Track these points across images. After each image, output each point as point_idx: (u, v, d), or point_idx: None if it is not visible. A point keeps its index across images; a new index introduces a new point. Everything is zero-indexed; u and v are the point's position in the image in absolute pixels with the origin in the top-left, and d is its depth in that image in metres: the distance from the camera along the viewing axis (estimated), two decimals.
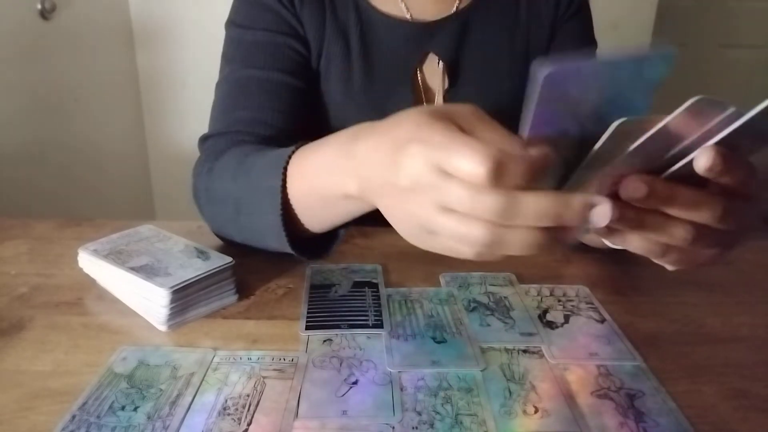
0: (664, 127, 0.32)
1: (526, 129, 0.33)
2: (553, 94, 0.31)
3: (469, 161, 0.32)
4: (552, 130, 0.34)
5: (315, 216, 0.53)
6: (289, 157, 0.52)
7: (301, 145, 0.52)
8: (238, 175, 0.57)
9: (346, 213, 0.50)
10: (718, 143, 0.32)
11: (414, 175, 0.35)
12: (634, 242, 0.38)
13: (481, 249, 0.34)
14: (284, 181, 0.51)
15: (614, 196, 0.36)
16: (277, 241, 0.54)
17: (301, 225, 0.54)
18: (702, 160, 0.32)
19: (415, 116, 0.37)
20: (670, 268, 0.41)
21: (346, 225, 0.55)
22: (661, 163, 0.36)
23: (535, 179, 0.32)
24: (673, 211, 0.35)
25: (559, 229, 0.33)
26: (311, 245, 0.56)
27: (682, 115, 0.31)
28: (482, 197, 0.32)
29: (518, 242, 0.33)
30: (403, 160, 0.36)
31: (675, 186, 0.35)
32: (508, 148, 0.33)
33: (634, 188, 0.34)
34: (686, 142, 0.34)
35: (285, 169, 0.51)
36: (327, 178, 0.46)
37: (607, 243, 0.40)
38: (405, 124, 0.37)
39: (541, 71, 0.30)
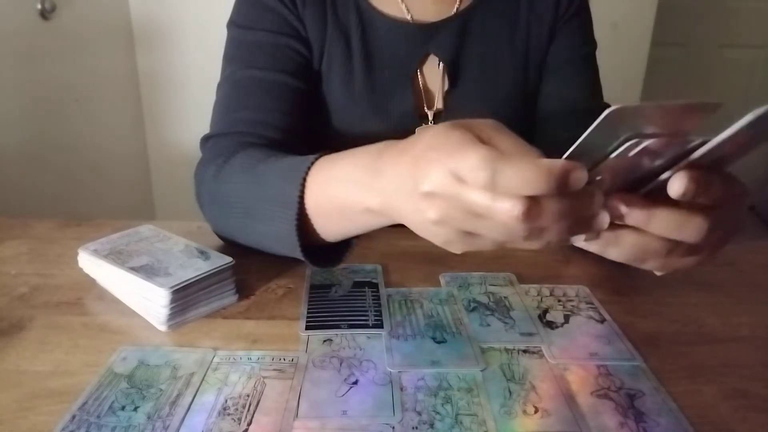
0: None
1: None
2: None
3: (470, 166, 0.33)
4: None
5: (331, 226, 0.52)
6: (308, 168, 0.51)
7: (322, 155, 0.51)
8: (250, 180, 0.56)
9: (364, 225, 0.50)
10: (699, 158, 0.32)
11: (434, 181, 0.36)
12: (612, 253, 0.39)
13: (530, 242, 0.36)
14: (302, 191, 0.51)
15: None
16: (289, 249, 0.53)
17: (315, 234, 0.53)
18: (675, 185, 0.33)
19: (434, 128, 0.38)
20: (657, 273, 0.42)
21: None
22: (644, 174, 0.35)
23: (566, 190, 0.32)
24: (652, 230, 0.36)
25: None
26: (322, 253, 0.56)
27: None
28: (497, 203, 0.33)
29: (555, 231, 0.35)
30: (421, 170, 0.37)
31: (653, 208, 0.35)
32: (522, 156, 0.34)
33: (614, 208, 0.36)
34: (669, 155, 0.33)
35: (305, 179, 0.51)
36: (349, 192, 0.46)
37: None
38: (425, 137, 0.39)
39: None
